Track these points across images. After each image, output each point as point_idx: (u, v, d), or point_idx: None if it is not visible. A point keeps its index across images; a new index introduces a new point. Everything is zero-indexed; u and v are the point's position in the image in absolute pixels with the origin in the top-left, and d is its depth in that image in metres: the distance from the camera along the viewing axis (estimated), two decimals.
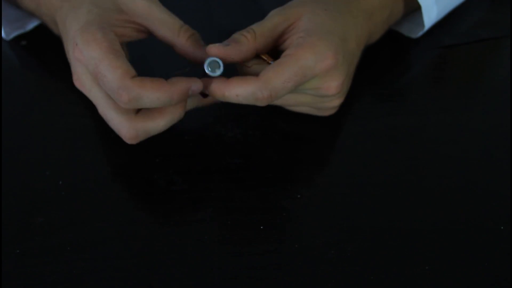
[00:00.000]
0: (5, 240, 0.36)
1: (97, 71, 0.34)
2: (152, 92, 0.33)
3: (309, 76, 0.36)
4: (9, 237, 0.36)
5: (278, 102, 0.41)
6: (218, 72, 0.36)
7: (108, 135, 0.44)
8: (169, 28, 0.39)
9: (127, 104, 0.34)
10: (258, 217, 0.38)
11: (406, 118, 0.45)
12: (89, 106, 0.46)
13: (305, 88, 0.38)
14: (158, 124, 0.36)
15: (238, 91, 0.35)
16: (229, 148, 0.42)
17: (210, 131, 0.44)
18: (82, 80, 0.37)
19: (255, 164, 0.41)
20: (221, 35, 0.39)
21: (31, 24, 0.52)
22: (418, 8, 0.48)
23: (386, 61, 0.50)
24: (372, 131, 0.44)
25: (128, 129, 0.35)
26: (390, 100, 0.47)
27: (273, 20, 0.38)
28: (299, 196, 0.39)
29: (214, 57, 0.36)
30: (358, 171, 0.41)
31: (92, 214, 0.38)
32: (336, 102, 0.41)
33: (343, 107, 0.42)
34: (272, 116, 0.45)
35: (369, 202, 0.39)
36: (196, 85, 0.35)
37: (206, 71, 0.36)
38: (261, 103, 0.35)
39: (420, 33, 0.51)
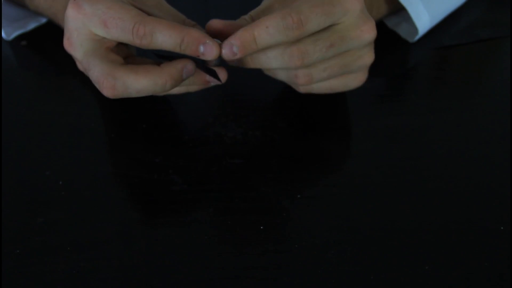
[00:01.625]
0: (5, 240, 0.36)
1: (106, 18, 0.34)
2: (167, 28, 0.34)
3: (338, 7, 0.35)
4: (9, 237, 0.36)
5: (325, 74, 0.39)
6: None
7: (108, 135, 0.44)
8: (176, 19, 0.39)
9: (143, 39, 0.34)
10: (258, 217, 0.38)
11: (406, 118, 0.45)
12: (89, 106, 0.47)
13: (349, 36, 0.37)
14: (139, 81, 0.35)
15: (268, 22, 0.35)
16: (229, 148, 0.42)
17: (210, 131, 0.44)
18: (73, 38, 0.36)
19: (255, 164, 0.41)
20: None
21: (32, 24, 0.52)
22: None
23: (386, 62, 0.50)
24: (372, 131, 0.44)
25: (107, 76, 0.35)
26: (390, 100, 0.47)
27: (267, 2, 0.39)
28: (299, 196, 0.39)
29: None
30: (358, 171, 0.41)
31: (92, 214, 0.38)
32: (369, 57, 0.40)
33: (343, 108, 0.42)
34: (272, 116, 0.45)
35: (369, 202, 0.39)
36: (210, 42, 0.35)
37: None
38: (294, 32, 0.35)
39: (416, 38, 0.51)
